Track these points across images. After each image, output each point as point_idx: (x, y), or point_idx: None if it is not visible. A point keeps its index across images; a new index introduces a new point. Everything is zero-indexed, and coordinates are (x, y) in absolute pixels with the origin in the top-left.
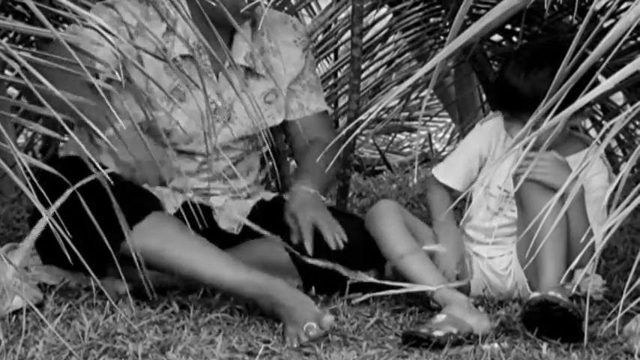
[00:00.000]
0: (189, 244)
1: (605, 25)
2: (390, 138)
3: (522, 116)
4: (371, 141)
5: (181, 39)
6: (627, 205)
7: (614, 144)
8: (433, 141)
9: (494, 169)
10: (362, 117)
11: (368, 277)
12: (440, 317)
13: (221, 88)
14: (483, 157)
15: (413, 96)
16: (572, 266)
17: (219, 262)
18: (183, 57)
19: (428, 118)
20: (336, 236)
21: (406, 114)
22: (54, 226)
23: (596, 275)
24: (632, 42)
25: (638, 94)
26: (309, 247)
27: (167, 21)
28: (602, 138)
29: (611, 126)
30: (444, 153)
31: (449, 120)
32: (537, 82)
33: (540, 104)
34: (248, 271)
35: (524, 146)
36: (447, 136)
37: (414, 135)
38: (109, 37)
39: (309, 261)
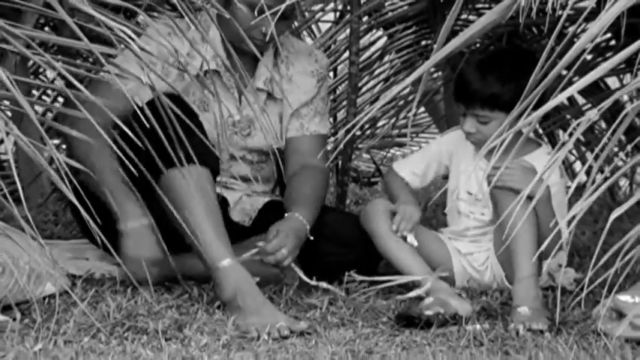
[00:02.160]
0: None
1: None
2: (384, 153)
3: (474, 111)
4: (366, 156)
5: (203, 58)
6: (588, 196)
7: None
8: None
9: (464, 177)
10: (358, 124)
11: (358, 277)
12: (428, 300)
13: (242, 105)
14: (443, 164)
15: (407, 113)
16: (534, 257)
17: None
18: (212, 71)
19: (418, 133)
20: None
21: (396, 131)
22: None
23: (570, 269)
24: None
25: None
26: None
27: (195, 41)
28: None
29: (575, 127)
30: None
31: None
32: (489, 81)
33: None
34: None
35: (491, 152)
36: None
37: (406, 150)
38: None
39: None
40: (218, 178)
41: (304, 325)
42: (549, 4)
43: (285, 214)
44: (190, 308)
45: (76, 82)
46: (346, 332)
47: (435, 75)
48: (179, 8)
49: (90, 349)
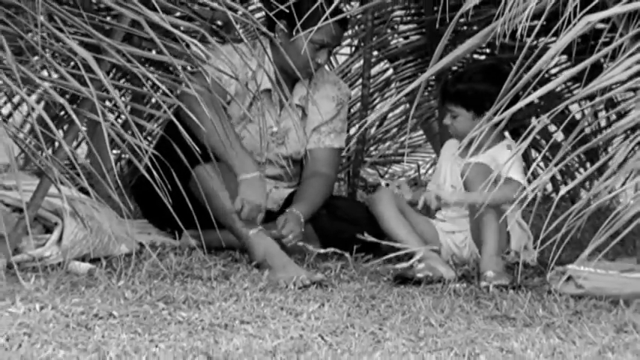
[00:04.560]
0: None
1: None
2: (386, 169)
3: (448, 106)
4: (370, 171)
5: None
6: (543, 177)
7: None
8: (422, 170)
9: (448, 171)
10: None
11: (370, 238)
12: (420, 265)
13: (281, 118)
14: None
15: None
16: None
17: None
18: (264, 90)
19: (416, 150)
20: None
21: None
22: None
23: (533, 250)
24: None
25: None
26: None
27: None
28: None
29: (533, 128)
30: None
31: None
32: (457, 83)
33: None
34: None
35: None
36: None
37: (405, 165)
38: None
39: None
40: None
41: (321, 275)
42: (519, 32)
43: (287, 210)
44: (234, 265)
45: (167, 91)
46: (354, 285)
47: (432, 101)
48: (242, 38)
49: (159, 287)
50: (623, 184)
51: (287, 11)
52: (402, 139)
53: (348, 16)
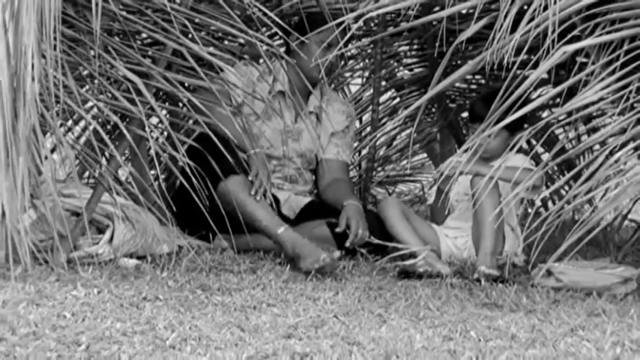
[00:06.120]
0: (259, 203)
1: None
2: (393, 188)
3: (473, 125)
4: (380, 190)
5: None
6: (527, 181)
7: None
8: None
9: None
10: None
11: (375, 240)
12: (421, 262)
13: (298, 121)
14: None
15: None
16: (492, 238)
17: (269, 219)
18: (279, 92)
19: (420, 170)
20: (358, 234)
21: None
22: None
23: (521, 253)
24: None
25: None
26: (351, 238)
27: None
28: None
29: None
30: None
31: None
32: (476, 107)
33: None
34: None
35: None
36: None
37: (410, 185)
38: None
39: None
40: (272, 179)
41: (338, 253)
42: (505, 60)
43: (344, 203)
44: (260, 262)
45: (205, 110)
46: (364, 278)
47: (433, 127)
48: (263, 56)
49: (196, 278)
50: (589, 190)
51: (296, 23)
52: (405, 162)
53: (360, 50)
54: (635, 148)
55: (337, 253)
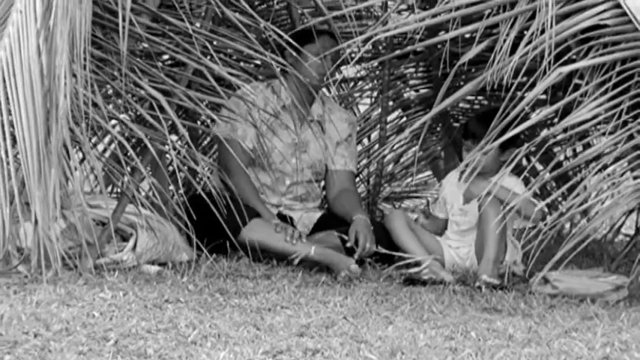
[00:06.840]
0: (278, 236)
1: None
2: (399, 204)
3: (466, 142)
4: (387, 205)
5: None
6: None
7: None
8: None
9: (454, 198)
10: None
11: (382, 250)
12: (425, 270)
13: (302, 130)
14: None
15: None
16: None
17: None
18: (283, 107)
19: (425, 187)
20: (366, 248)
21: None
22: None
23: (521, 264)
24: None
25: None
26: (358, 252)
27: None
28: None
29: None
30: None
31: None
32: (472, 125)
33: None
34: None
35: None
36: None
37: (415, 201)
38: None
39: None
40: (285, 203)
41: (355, 266)
42: (505, 80)
43: (353, 217)
44: (273, 269)
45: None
46: (372, 284)
47: (439, 146)
48: (278, 76)
49: (215, 283)
50: (584, 202)
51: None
52: (410, 179)
53: (368, 72)
54: (628, 163)
55: (355, 267)
